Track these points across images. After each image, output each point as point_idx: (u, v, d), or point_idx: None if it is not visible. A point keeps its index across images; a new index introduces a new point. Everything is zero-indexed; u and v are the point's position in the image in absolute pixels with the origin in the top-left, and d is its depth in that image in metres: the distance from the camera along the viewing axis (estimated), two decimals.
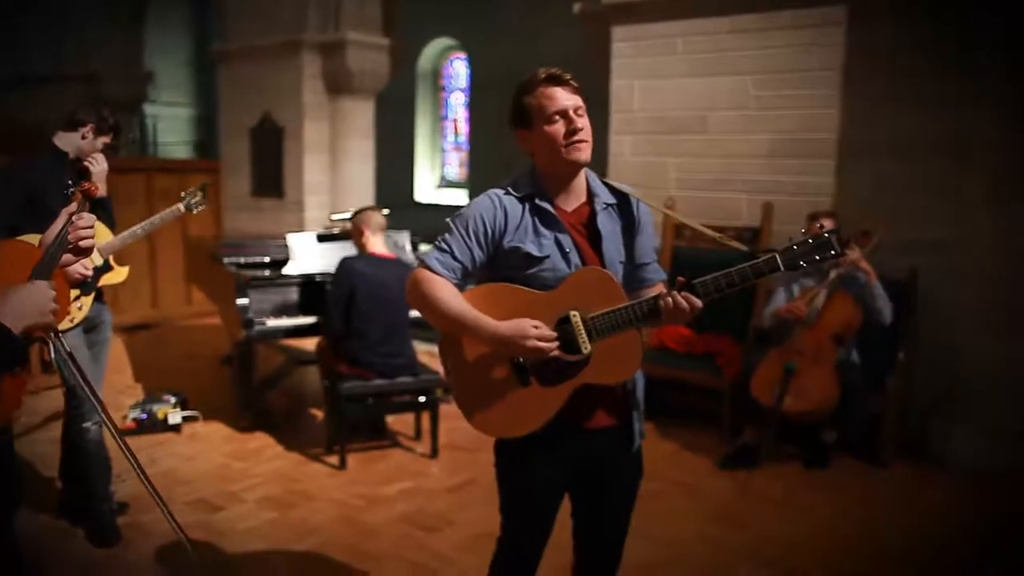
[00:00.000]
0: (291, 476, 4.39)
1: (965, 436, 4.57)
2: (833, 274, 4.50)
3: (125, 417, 4.94)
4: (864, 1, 5.03)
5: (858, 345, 4.66)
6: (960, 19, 4.71)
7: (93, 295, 3.55)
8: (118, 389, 5.69)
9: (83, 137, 3.47)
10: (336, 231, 5.38)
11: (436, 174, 13.22)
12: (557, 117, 2.04)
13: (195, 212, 3.89)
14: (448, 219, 2.15)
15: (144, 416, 4.91)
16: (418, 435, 4.96)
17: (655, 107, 5.78)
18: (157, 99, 13.08)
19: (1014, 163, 4.44)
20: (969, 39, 4.67)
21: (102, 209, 3.56)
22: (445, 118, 13.14)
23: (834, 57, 5.15)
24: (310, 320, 4.93)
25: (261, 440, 4.90)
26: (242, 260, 5.28)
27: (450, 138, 13.13)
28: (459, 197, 12.37)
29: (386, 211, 4.75)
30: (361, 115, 8.02)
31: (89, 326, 3.63)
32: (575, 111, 2.06)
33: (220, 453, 4.70)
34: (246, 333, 4.78)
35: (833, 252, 1.88)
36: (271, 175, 7.98)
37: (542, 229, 2.08)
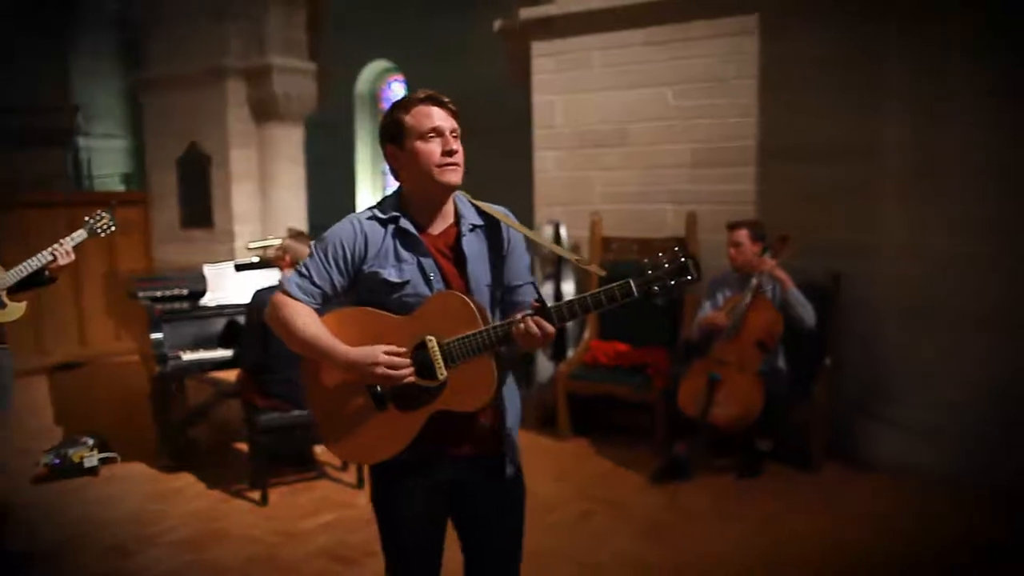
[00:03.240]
0: (210, 515, 4.24)
1: (890, 436, 4.58)
2: (753, 283, 4.49)
3: (37, 463, 4.74)
4: (775, 11, 5.08)
5: (785, 351, 4.66)
6: (867, 30, 4.78)
7: None
8: (32, 434, 5.43)
9: None
10: (255, 259, 5.26)
11: (378, 198, 13.11)
12: (432, 135, 2.01)
13: (103, 235, 3.78)
14: (312, 243, 2.11)
15: (57, 461, 4.72)
16: (345, 465, 4.84)
17: (577, 121, 5.77)
18: (91, 131, 12.80)
19: (922, 166, 4.49)
20: (878, 49, 4.73)
21: None
22: None
23: (750, 66, 5.21)
24: (228, 353, 4.80)
25: (183, 479, 4.74)
26: (159, 293, 5.15)
27: None
28: None
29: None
30: (290, 141, 7.92)
31: None
32: (451, 132, 2.03)
33: (139, 495, 4.53)
34: (161, 368, 4.64)
35: (689, 277, 1.86)
36: (200, 205, 7.84)
37: (403, 253, 2.04)
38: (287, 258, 4.40)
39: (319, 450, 4.99)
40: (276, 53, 7.55)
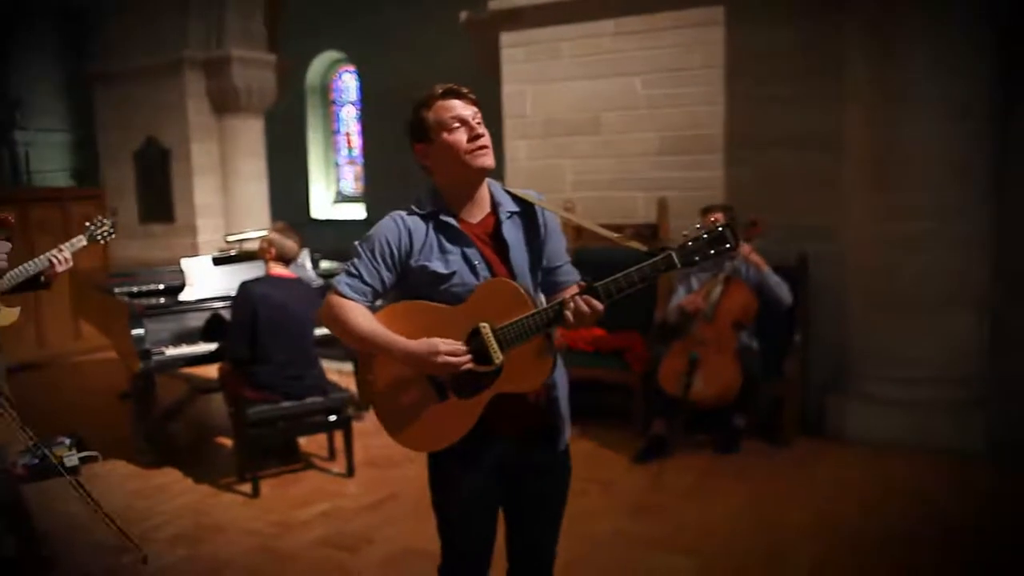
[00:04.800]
0: (201, 509, 4.23)
1: (857, 410, 4.80)
2: (728, 266, 4.65)
3: (15, 465, 4.64)
4: (741, 2, 5.24)
5: (756, 331, 4.84)
6: (830, 19, 4.97)
7: None
8: None
9: None
10: (233, 252, 5.22)
11: (332, 190, 13.01)
12: (457, 124, 2.05)
13: (103, 242, 3.71)
14: (356, 243, 2.16)
15: (36, 461, 4.63)
16: (332, 455, 4.86)
17: (548, 111, 5.86)
18: (28, 126, 12.40)
19: (883, 152, 4.70)
20: (840, 38, 4.92)
21: None
22: (337, 132, 12.95)
23: (716, 55, 5.36)
24: (211, 347, 4.77)
25: (167, 475, 4.71)
26: (134, 289, 5.07)
27: (344, 152, 12.95)
28: (356, 211, 12.20)
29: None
30: (250, 133, 7.84)
31: None
32: (474, 119, 2.08)
33: (123, 492, 4.48)
34: (143, 365, 4.59)
35: (727, 245, 1.92)
36: (159, 200, 7.71)
37: (448, 245, 2.09)
38: (272, 251, 4.40)
39: (303, 441, 5.01)
40: (235, 44, 7.45)
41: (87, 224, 3.65)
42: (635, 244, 2.04)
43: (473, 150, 2.05)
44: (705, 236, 1.91)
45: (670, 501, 4.14)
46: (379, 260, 2.10)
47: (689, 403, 4.58)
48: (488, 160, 2.07)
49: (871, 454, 4.60)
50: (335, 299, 2.13)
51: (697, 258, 1.92)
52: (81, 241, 3.56)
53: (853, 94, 4.86)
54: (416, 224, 2.11)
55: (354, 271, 2.12)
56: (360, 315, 2.09)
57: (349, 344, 2.14)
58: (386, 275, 2.11)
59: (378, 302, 2.18)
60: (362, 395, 2.29)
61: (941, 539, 3.66)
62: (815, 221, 5.10)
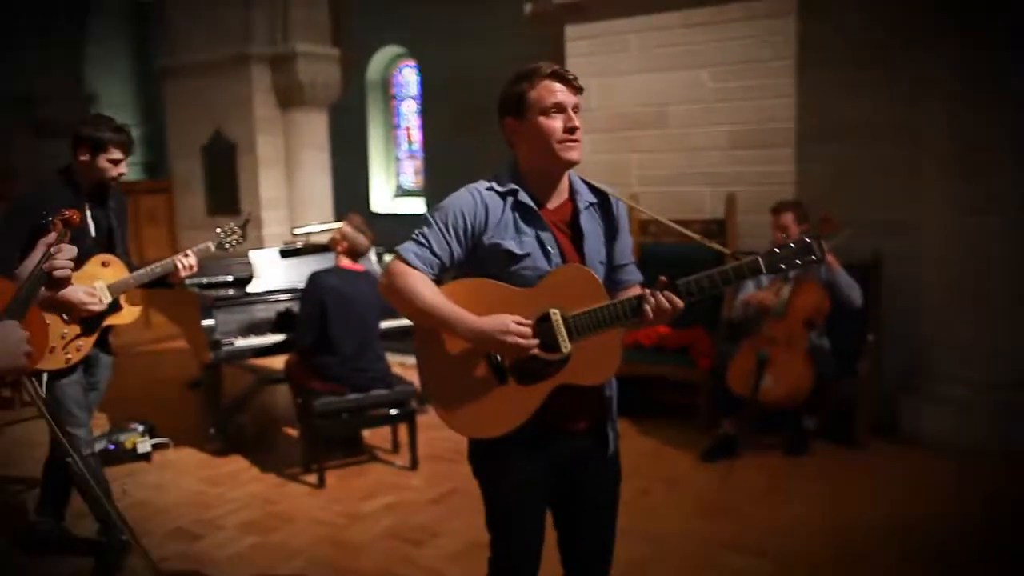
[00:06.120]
0: (269, 498, 4.29)
1: (935, 414, 4.64)
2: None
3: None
4: None
5: (827, 330, 4.71)
6: (904, 9, 4.81)
7: (96, 335, 3.40)
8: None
9: (82, 160, 3.23)
10: (299, 245, 5.28)
11: (392, 184, 13.09)
12: (555, 110, 1.99)
13: (229, 250, 3.75)
14: (426, 212, 2.10)
15: (111, 447, 4.76)
16: (396, 448, 4.89)
17: (613, 104, 5.80)
18: None
19: (961, 145, 4.53)
20: (916, 28, 4.76)
21: (119, 245, 3.44)
22: (398, 127, 13.02)
23: (787, 47, 5.23)
24: (279, 338, 4.83)
25: (235, 463, 4.79)
26: (205, 280, 5.16)
27: (404, 147, 13.01)
28: (416, 206, 12.26)
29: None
30: (315, 127, 7.91)
31: (89, 365, 3.48)
32: (573, 108, 2.02)
33: (194, 479, 4.57)
34: (214, 355, 4.67)
35: (814, 257, 1.88)
36: (226, 192, 7.83)
37: (523, 226, 2.04)
38: (344, 244, 4.42)
39: (367, 434, 5.04)
40: (300, 39, 7.53)
41: (217, 230, 3.68)
42: (717, 246, 2.01)
43: (564, 141, 2.00)
44: (793, 246, 1.88)
45: (740, 501, 4.06)
46: (451, 232, 2.03)
47: (758, 403, 4.49)
48: (577, 154, 2.03)
49: (947, 457, 4.45)
50: (400, 267, 2.03)
51: (783, 266, 1.88)
52: (209, 247, 3.59)
53: (933, 81, 4.69)
54: (493, 200, 2.05)
55: (423, 240, 2.04)
56: (425, 286, 2.00)
57: (408, 315, 2.06)
58: (456, 249, 2.04)
59: None
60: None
61: (1022, 548, 3.52)
62: (890, 215, 4.95)
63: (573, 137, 2.00)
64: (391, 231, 4.49)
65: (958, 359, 4.64)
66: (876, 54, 4.94)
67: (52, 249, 1.88)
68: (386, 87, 12.97)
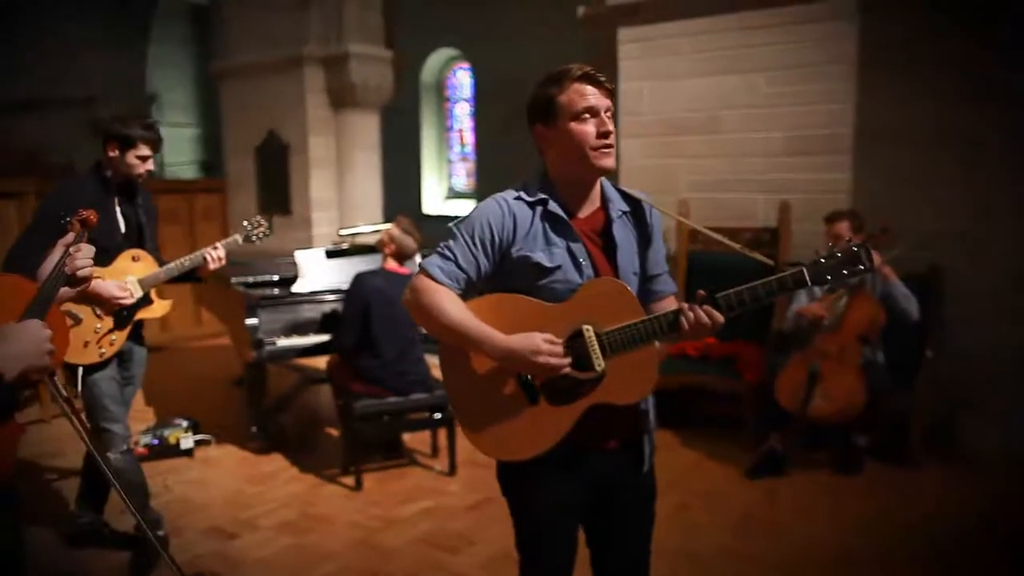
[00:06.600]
0: (307, 499, 4.29)
1: (995, 432, 4.45)
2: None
3: (136, 443, 4.84)
4: None
5: (882, 344, 4.54)
6: (970, 11, 4.61)
7: (129, 329, 3.44)
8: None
9: (111, 156, 3.28)
10: (345, 246, 5.29)
11: (444, 185, 13.14)
12: (587, 116, 1.90)
13: (256, 243, 3.78)
14: (452, 224, 2.00)
15: (156, 442, 4.83)
16: (435, 452, 4.85)
17: (664, 109, 5.68)
18: (162, 120, 13.06)
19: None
20: (980, 31, 4.56)
21: (148, 240, 3.48)
22: (451, 129, 13.06)
23: (845, 51, 5.06)
24: (322, 338, 4.83)
25: (275, 463, 4.81)
26: (251, 279, 5.21)
27: (456, 148, 13.05)
28: (467, 208, 12.29)
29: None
30: (367, 128, 7.95)
31: (123, 359, 3.53)
32: (605, 112, 1.92)
33: (234, 478, 4.60)
34: (256, 354, 4.69)
35: (862, 267, 1.77)
36: (278, 192, 7.91)
37: (553, 237, 1.94)
38: (392, 246, 4.40)
39: (407, 437, 5.02)
40: (354, 41, 7.58)
41: (244, 223, 3.72)
42: (760, 256, 1.91)
43: (598, 147, 1.90)
44: (840, 255, 1.77)
45: (785, 519, 3.92)
46: (478, 245, 1.94)
47: (807, 419, 4.34)
48: (610, 162, 1.93)
49: (1007, 478, 4.25)
50: (424, 282, 1.94)
51: (830, 277, 1.77)
52: (236, 240, 3.63)
53: (994, 89, 4.50)
54: (522, 210, 1.96)
55: (448, 254, 1.95)
56: (451, 302, 1.91)
57: (433, 332, 1.96)
58: (483, 262, 1.94)
59: None
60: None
61: None
62: (949, 225, 4.75)
63: (607, 142, 1.91)
64: (442, 233, 4.47)
65: (1015, 374, 4.43)
66: (937, 58, 4.74)
67: (71, 249, 1.87)
68: (440, 89, 13.03)
